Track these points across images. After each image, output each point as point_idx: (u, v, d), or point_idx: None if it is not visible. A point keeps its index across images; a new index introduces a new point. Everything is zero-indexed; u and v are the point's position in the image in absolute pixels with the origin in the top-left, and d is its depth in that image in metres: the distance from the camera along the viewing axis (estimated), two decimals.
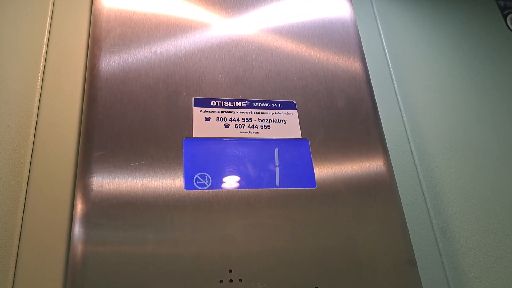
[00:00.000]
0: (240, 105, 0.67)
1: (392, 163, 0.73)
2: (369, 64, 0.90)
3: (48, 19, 0.72)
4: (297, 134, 0.67)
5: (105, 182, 0.56)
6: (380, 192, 0.65)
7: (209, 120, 0.65)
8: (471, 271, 0.74)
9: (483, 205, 0.80)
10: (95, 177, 0.56)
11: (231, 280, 0.53)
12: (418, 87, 0.91)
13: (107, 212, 0.54)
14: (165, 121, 0.62)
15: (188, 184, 0.59)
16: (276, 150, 0.65)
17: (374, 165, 0.67)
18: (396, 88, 0.89)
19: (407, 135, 0.85)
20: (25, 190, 0.60)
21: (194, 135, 0.63)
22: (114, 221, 0.54)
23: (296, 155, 0.66)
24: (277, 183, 0.62)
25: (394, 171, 0.80)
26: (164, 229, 0.54)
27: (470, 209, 0.79)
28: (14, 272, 0.54)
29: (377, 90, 0.87)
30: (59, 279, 0.55)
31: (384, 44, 0.94)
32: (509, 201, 0.82)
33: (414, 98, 0.90)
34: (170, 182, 0.58)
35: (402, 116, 0.87)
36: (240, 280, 0.53)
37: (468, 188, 0.82)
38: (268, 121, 0.67)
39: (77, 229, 0.53)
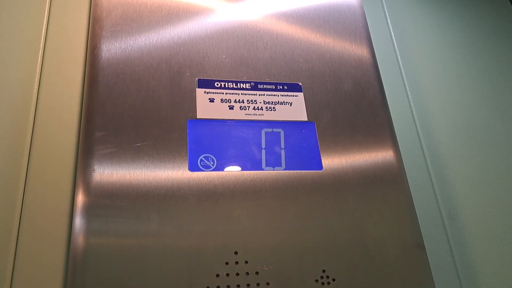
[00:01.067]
0: (244, 87, 0.66)
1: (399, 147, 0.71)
2: (376, 47, 0.88)
3: None
4: (303, 117, 0.66)
5: (107, 163, 0.55)
6: (388, 175, 0.64)
7: (213, 101, 0.63)
8: (479, 255, 0.72)
9: (490, 190, 0.79)
10: (97, 158, 0.55)
11: (236, 262, 0.52)
12: (425, 71, 0.90)
13: (110, 193, 0.53)
14: (169, 101, 0.61)
15: (193, 165, 0.57)
16: (282, 132, 0.64)
17: (382, 148, 0.66)
18: (403, 72, 0.88)
19: (414, 120, 0.83)
20: (25, 170, 0.58)
21: (198, 117, 0.61)
22: (117, 201, 0.52)
23: (302, 138, 0.64)
24: (283, 166, 0.61)
25: (401, 155, 0.78)
26: (168, 211, 0.53)
27: (477, 194, 0.78)
28: (13, 264, 0.53)
29: (384, 74, 0.85)
30: (59, 271, 0.54)
31: (391, 27, 0.92)
32: None
33: (421, 83, 0.88)
34: (174, 163, 0.57)
35: (409, 101, 0.85)
36: (246, 262, 0.52)
37: (476, 173, 0.80)
38: (273, 103, 0.66)
39: (80, 201, 0.51)
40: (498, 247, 0.74)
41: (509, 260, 0.73)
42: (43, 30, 0.68)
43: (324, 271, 0.54)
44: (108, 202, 0.52)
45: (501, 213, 0.77)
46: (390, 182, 0.63)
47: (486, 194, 0.78)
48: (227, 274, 0.51)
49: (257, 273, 0.52)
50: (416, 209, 0.73)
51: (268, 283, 0.51)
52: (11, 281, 0.52)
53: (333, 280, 0.53)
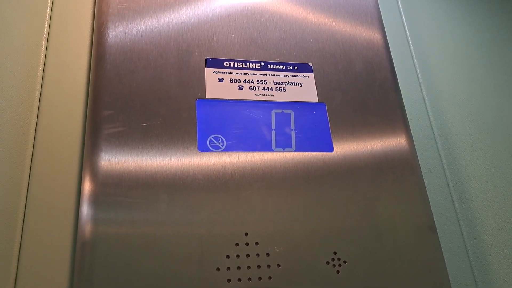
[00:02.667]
0: (254, 67, 0.64)
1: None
2: (386, 29, 0.86)
3: None
4: (314, 98, 0.65)
5: (115, 142, 0.54)
6: (399, 158, 0.63)
7: (222, 81, 0.62)
8: (490, 238, 0.72)
9: (501, 173, 0.78)
10: (104, 137, 0.54)
11: (247, 243, 0.51)
12: (436, 53, 0.88)
13: (118, 172, 0.52)
14: (177, 80, 0.60)
15: (202, 145, 0.56)
16: (292, 113, 0.62)
17: (393, 130, 0.65)
18: (414, 55, 0.86)
19: (424, 102, 0.82)
20: (31, 151, 0.57)
21: (207, 96, 0.60)
22: (125, 181, 0.51)
23: (313, 119, 0.63)
24: (293, 147, 0.60)
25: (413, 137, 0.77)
26: (177, 192, 0.52)
27: (488, 177, 0.77)
28: (19, 253, 0.51)
29: (395, 56, 0.83)
30: (66, 261, 0.52)
31: (401, 8, 0.90)
32: None
33: (432, 65, 0.87)
34: (183, 144, 0.56)
35: (420, 83, 0.84)
36: (257, 243, 0.51)
37: (487, 156, 0.79)
38: (283, 83, 0.64)
39: (87, 187, 0.51)
40: (509, 230, 0.73)
41: None
42: (48, 8, 0.66)
43: (335, 253, 0.53)
44: (116, 182, 0.51)
45: None
46: (401, 165, 0.62)
47: (497, 177, 0.77)
48: (237, 256, 0.50)
49: (267, 254, 0.51)
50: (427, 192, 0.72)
51: (279, 265, 0.51)
52: (17, 270, 0.51)
53: (344, 262, 0.53)
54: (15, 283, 0.50)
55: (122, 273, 0.47)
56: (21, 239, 0.52)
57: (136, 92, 0.57)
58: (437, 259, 0.56)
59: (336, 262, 0.52)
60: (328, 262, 0.52)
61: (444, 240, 0.69)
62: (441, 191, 0.74)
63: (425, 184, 0.73)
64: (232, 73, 0.63)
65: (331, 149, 0.61)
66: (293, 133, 0.61)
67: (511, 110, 0.86)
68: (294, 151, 0.59)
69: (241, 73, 0.63)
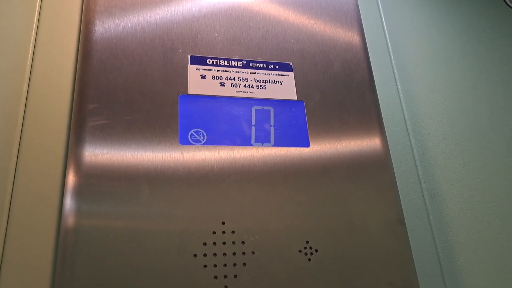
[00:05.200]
0: (236, 65, 0.67)
1: (385, 128, 0.73)
2: (366, 31, 0.89)
3: None
4: (293, 96, 0.67)
5: (99, 135, 0.56)
6: (373, 155, 0.66)
7: (204, 78, 0.64)
8: (457, 232, 0.75)
9: (473, 171, 0.82)
10: (89, 130, 0.56)
11: (223, 232, 0.54)
12: (414, 56, 0.91)
13: (101, 163, 0.54)
14: (161, 77, 0.62)
15: (183, 139, 0.59)
16: (272, 110, 0.65)
17: (368, 129, 0.68)
18: (392, 56, 0.89)
19: (400, 102, 0.85)
20: (19, 140, 0.59)
21: (189, 92, 0.62)
22: (108, 172, 0.54)
23: (291, 116, 0.66)
24: (272, 142, 0.62)
25: (387, 135, 0.80)
26: (158, 183, 0.55)
27: (460, 175, 0.81)
28: (3, 245, 0.53)
29: (373, 58, 0.87)
30: (50, 249, 0.54)
31: (381, 11, 0.94)
32: (499, 167, 0.84)
33: (409, 67, 0.90)
34: (165, 137, 0.58)
35: (396, 84, 0.87)
36: (233, 232, 0.54)
37: (458, 154, 0.83)
38: (264, 81, 0.67)
39: (71, 178, 0.53)
40: (475, 225, 0.76)
41: (488, 238, 0.76)
42: (37, 4, 0.68)
43: (307, 242, 0.56)
44: (99, 173, 0.53)
45: (483, 194, 0.80)
46: (374, 162, 0.65)
47: (469, 175, 0.81)
48: (214, 243, 0.53)
49: (243, 242, 0.54)
50: (399, 188, 0.75)
51: (253, 252, 0.53)
52: (2, 258, 0.52)
53: (316, 251, 0.56)
54: (0, 271, 0.52)
55: (104, 260, 0.49)
56: (6, 228, 0.54)
57: (121, 87, 0.60)
58: (404, 251, 0.59)
59: (308, 250, 0.55)
60: (300, 251, 0.55)
61: (414, 233, 0.72)
62: (413, 187, 0.77)
63: (398, 180, 0.76)
64: (214, 70, 0.65)
65: (308, 145, 0.64)
66: (272, 129, 0.64)
67: (484, 110, 0.90)
68: (273, 146, 0.62)
69: (223, 71, 0.66)
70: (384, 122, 0.71)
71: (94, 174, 0.53)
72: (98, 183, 0.53)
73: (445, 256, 0.72)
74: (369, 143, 0.67)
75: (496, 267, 0.74)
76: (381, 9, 0.94)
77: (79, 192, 0.52)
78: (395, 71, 0.88)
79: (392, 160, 0.68)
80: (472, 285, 0.71)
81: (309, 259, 0.55)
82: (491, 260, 0.74)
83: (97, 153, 0.55)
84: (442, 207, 0.77)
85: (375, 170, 0.64)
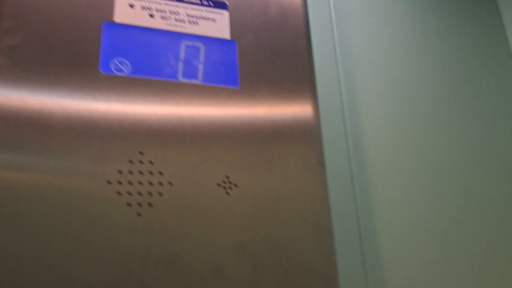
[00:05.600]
0: None
1: (316, 72, 0.74)
2: None
3: None
4: (226, 35, 0.66)
5: (13, 56, 0.53)
6: (300, 99, 0.67)
7: (133, 7, 0.62)
8: (375, 177, 0.79)
9: (398, 123, 0.85)
10: (3, 49, 0.53)
11: (141, 161, 0.53)
12: (355, 12, 0.92)
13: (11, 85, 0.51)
14: (86, 1, 0.59)
15: (105, 67, 0.56)
16: (202, 47, 0.64)
17: (298, 73, 0.69)
18: (332, 8, 0.90)
19: (335, 53, 0.86)
20: None
21: (115, 20, 0.60)
22: (23, 98, 0.51)
23: (222, 55, 0.65)
24: (200, 79, 0.62)
25: (317, 83, 0.82)
26: (76, 108, 0.53)
27: (385, 126, 0.84)
28: None
29: (312, 7, 0.87)
30: None
31: None
32: (423, 123, 0.88)
33: (349, 21, 0.91)
34: (86, 64, 0.56)
35: (333, 36, 0.88)
36: (151, 162, 0.53)
37: (387, 106, 0.86)
38: (196, 17, 0.65)
39: None
40: (391, 172, 0.81)
41: (406, 186, 0.81)
42: None
43: (227, 177, 0.56)
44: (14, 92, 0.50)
45: (404, 144, 0.84)
46: (301, 103, 0.66)
47: (394, 127, 0.85)
48: (130, 172, 0.52)
49: (161, 173, 0.53)
50: (324, 133, 0.77)
51: (171, 183, 0.53)
52: None
53: (235, 185, 0.56)
54: None
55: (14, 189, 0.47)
56: None
57: (41, 7, 0.56)
58: (321, 191, 0.62)
59: (227, 185, 0.56)
60: (219, 184, 0.56)
61: (334, 175, 0.75)
62: (338, 133, 0.80)
63: (324, 126, 0.78)
64: (144, 0, 0.63)
65: (237, 85, 0.63)
66: (200, 66, 0.63)
67: (417, 66, 0.93)
68: (201, 83, 0.61)
69: (154, 2, 0.63)
70: (316, 69, 0.72)
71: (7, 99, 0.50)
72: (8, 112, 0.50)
73: (361, 198, 0.76)
74: (297, 88, 0.67)
75: (412, 212, 0.79)
76: None
77: None
78: (334, 22, 0.89)
79: (320, 107, 0.69)
80: (382, 220, 0.76)
81: (227, 193, 0.56)
82: (408, 207, 0.79)
83: (7, 75, 0.51)
84: (364, 154, 0.80)
85: (300, 112, 0.65)
